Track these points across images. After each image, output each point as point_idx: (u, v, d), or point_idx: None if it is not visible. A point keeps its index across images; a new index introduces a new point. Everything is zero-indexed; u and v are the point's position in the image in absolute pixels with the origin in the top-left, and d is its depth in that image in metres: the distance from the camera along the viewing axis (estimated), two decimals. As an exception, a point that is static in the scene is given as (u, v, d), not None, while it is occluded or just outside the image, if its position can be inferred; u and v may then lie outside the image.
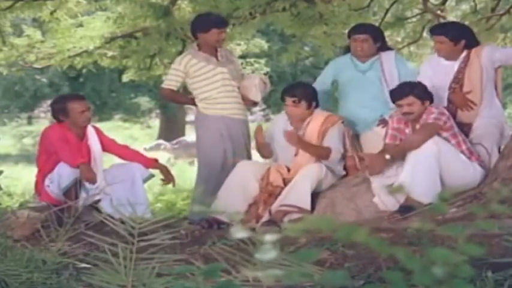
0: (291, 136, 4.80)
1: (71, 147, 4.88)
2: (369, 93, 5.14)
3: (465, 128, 4.78)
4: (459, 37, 4.83)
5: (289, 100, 4.92)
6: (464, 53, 4.84)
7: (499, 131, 4.84)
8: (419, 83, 4.68)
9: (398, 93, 4.65)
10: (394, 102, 4.71)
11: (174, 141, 15.96)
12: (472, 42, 4.90)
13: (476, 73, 4.79)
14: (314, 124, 4.94)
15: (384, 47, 5.29)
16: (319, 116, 4.97)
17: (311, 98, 4.95)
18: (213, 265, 1.39)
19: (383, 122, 5.02)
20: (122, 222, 2.69)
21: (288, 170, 4.89)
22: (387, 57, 5.23)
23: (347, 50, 5.42)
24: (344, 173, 5.02)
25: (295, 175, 4.76)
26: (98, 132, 5.21)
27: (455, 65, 4.86)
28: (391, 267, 3.03)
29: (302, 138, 4.87)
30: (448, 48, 4.82)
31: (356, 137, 5.22)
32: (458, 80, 4.84)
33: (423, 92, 4.61)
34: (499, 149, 4.78)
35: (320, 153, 4.88)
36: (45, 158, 4.95)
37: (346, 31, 5.62)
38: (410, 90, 4.59)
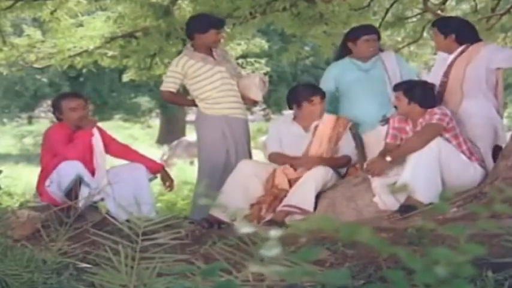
0: (309, 160, 4.82)
1: (70, 144, 4.88)
2: (373, 92, 5.18)
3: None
4: (449, 30, 4.85)
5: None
6: (462, 48, 4.85)
7: (493, 131, 4.83)
8: (421, 86, 4.68)
9: (395, 86, 4.79)
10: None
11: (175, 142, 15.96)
12: (467, 36, 4.89)
13: (460, 67, 4.80)
14: (324, 126, 4.95)
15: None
16: (328, 119, 4.98)
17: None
18: (213, 265, 1.39)
19: (385, 121, 5.04)
20: (127, 221, 2.69)
21: (295, 169, 4.89)
22: (388, 56, 5.34)
23: (341, 54, 5.40)
24: (345, 171, 5.05)
25: (302, 174, 4.79)
26: (101, 131, 5.18)
27: (449, 59, 4.90)
28: (392, 267, 3.02)
29: (326, 158, 4.89)
30: (439, 41, 4.92)
31: (359, 136, 5.25)
32: (448, 73, 4.86)
33: (416, 93, 4.61)
34: (496, 148, 4.79)
35: (339, 164, 4.97)
36: (48, 158, 4.92)
37: (346, 31, 5.65)
38: (401, 87, 4.70)
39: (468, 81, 4.78)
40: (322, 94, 5.05)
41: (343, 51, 5.36)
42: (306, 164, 4.81)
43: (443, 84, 4.86)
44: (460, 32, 4.88)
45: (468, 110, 4.77)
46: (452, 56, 4.87)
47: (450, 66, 4.85)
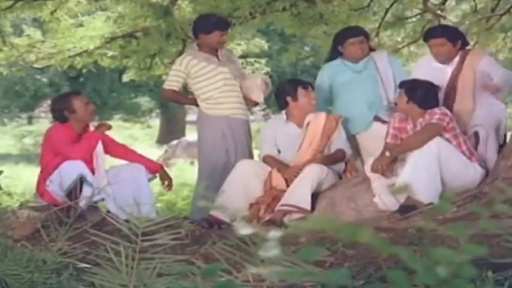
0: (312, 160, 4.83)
1: (76, 145, 4.88)
2: (365, 92, 5.19)
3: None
4: (457, 38, 4.88)
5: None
6: (458, 57, 4.86)
7: (496, 118, 4.84)
8: (424, 87, 4.68)
9: (401, 82, 4.80)
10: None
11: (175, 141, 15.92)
12: (466, 42, 5.00)
13: (469, 79, 4.81)
14: (316, 123, 4.97)
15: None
16: (319, 116, 5.00)
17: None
18: (213, 265, 1.39)
19: (379, 120, 5.08)
20: (127, 221, 2.69)
21: (282, 175, 4.90)
22: (379, 56, 5.34)
23: (332, 56, 5.40)
24: (344, 167, 5.05)
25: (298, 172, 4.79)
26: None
27: (448, 69, 4.89)
28: (392, 267, 3.02)
29: (321, 156, 4.91)
30: (448, 50, 4.88)
31: (353, 137, 5.25)
32: (453, 86, 4.86)
33: (416, 94, 4.62)
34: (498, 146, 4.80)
35: (334, 160, 4.97)
36: (49, 158, 4.91)
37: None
38: (404, 85, 4.72)
39: (476, 91, 4.81)
40: (312, 86, 5.13)
41: (334, 53, 5.35)
42: (292, 174, 4.81)
43: (449, 95, 4.85)
44: (463, 38, 4.96)
45: (478, 116, 4.78)
46: (451, 68, 4.87)
47: (454, 78, 4.84)
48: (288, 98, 5.03)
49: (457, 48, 4.87)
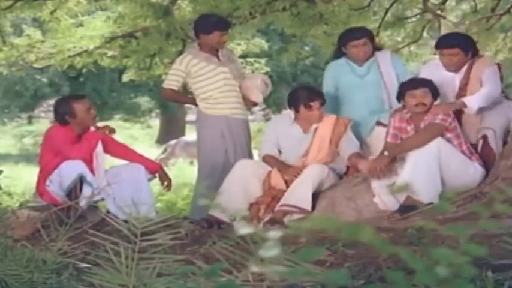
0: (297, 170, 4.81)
1: (76, 145, 4.88)
2: (368, 96, 5.16)
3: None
4: (470, 48, 4.86)
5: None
6: (466, 66, 4.83)
7: (506, 124, 4.83)
8: (431, 81, 4.68)
9: (411, 83, 4.67)
10: (404, 93, 4.66)
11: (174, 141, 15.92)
12: (476, 51, 4.94)
13: (476, 90, 4.79)
14: (324, 128, 4.93)
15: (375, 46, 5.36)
16: (328, 119, 4.96)
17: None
18: (214, 265, 1.39)
19: (381, 124, 5.06)
20: (125, 221, 2.69)
21: (282, 176, 4.88)
22: (383, 57, 5.27)
23: (337, 55, 5.38)
24: (345, 169, 5.03)
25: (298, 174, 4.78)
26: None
27: (456, 78, 4.85)
28: (392, 267, 3.02)
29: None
30: (460, 60, 4.82)
31: (361, 140, 5.23)
32: (462, 96, 4.85)
33: (435, 89, 4.63)
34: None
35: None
36: (48, 158, 4.91)
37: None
38: (425, 83, 4.64)
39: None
40: (322, 99, 4.95)
41: (339, 53, 5.33)
42: (292, 175, 4.79)
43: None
44: (475, 47, 4.94)
45: (488, 118, 4.77)
46: (459, 77, 4.84)
47: (463, 88, 4.83)
48: (292, 107, 5.01)
49: (468, 58, 4.83)
